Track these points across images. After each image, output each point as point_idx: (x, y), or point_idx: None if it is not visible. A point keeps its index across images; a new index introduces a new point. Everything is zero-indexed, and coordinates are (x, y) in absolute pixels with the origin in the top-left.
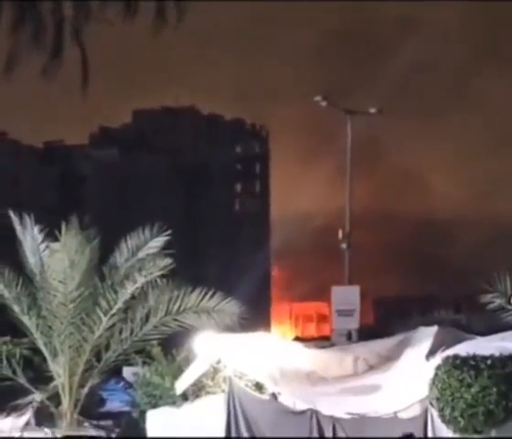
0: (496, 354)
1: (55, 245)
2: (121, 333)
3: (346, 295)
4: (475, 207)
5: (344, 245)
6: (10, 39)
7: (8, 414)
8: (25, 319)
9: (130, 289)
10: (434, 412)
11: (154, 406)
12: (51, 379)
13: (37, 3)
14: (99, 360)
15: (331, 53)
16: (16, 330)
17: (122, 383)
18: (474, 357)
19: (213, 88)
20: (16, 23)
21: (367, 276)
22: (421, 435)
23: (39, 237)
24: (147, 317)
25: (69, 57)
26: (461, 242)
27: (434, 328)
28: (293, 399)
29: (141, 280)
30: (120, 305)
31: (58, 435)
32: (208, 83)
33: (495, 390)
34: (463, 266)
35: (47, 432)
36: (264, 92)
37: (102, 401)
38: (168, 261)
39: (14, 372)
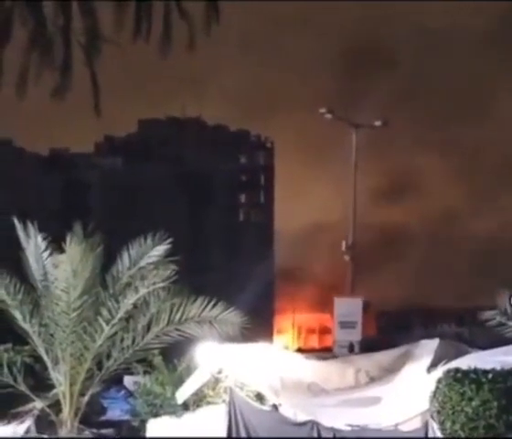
0: (498, 368)
1: (60, 257)
2: (122, 342)
3: (349, 307)
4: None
5: (347, 257)
6: (21, 58)
7: (9, 422)
8: (26, 326)
9: (131, 299)
10: (435, 426)
11: (155, 415)
12: (52, 386)
13: (47, 23)
14: (100, 369)
15: (338, 64)
16: (18, 337)
17: (122, 392)
18: (476, 370)
19: (219, 98)
20: (27, 42)
21: (370, 288)
22: None
23: (43, 245)
24: (149, 326)
25: (76, 69)
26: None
27: (436, 341)
28: (294, 410)
29: (143, 290)
30: (121, 314)
31: None
32: (213, 93)
33: (495, 404)
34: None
35: None
36: (270, 103)
37: (103, 410)
38: (171, 270)
39: (15, 380)
